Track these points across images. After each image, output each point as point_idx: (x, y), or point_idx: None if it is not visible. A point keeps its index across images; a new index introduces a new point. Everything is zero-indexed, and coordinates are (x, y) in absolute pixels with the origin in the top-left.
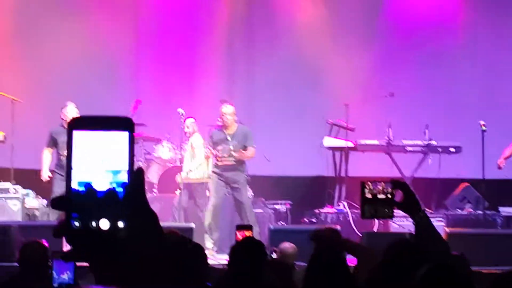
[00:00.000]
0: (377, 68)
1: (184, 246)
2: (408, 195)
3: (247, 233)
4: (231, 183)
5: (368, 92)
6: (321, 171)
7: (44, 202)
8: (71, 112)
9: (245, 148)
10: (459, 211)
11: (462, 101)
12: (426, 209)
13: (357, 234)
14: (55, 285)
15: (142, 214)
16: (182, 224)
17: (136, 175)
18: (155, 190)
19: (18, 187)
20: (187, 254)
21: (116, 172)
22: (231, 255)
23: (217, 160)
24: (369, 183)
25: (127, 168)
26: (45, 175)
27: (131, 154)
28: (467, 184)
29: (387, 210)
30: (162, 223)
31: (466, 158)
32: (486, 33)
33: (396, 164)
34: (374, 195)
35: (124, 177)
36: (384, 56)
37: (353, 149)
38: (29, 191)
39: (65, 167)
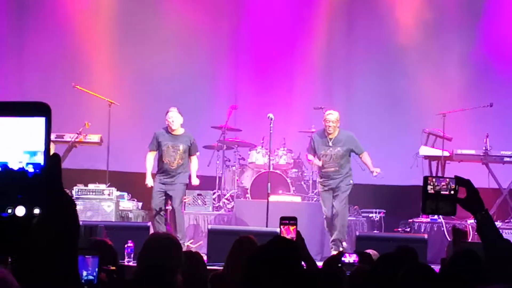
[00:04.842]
0: (476, 77)
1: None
2: (471, 192)
3: (291, 228)
4: (334, 189)
5: (466, 101)
6: (416, 181)
7: (139, 204)
8: (173, 116)
9: (350, 152)
10: None
11: None
12: None
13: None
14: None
15: (58, 198)
16: (268, 229)
17: (53, 160)
18: (248, 195)
19: (112, 189)
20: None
21: (33, 154)
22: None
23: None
24: (433, 178)
25: (43, 150)
26: (149, 182)
27: (48, 138)
28: None
29: (449, 207)
30: (251, 228)
31: None
32: None
33: (493, 175)
34: (437, 191)
35: (40, 159)
36: (482, 65)
37: (449, 158)
38: (124, 193)
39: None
